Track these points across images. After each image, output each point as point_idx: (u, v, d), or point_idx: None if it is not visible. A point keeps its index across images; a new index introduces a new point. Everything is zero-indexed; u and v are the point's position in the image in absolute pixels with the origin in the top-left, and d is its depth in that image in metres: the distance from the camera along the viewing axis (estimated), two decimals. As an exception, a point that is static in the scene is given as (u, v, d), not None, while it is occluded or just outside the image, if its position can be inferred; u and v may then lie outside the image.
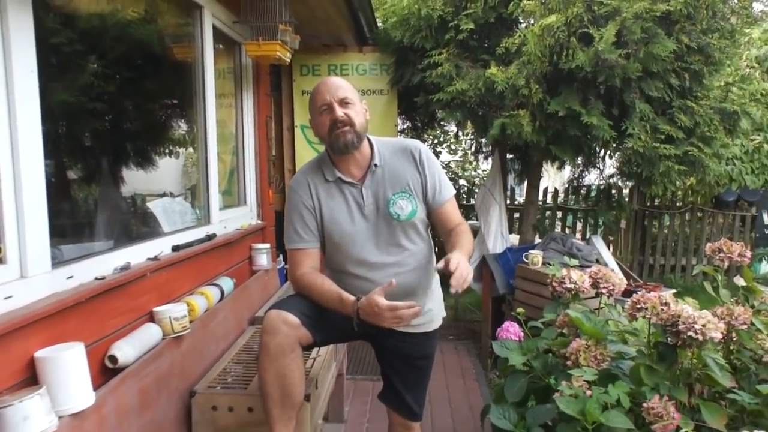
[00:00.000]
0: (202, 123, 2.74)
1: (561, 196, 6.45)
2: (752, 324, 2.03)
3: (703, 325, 1.83)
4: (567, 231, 6.34)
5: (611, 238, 6.53)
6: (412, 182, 1.84)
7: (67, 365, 1.43)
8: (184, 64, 2.72)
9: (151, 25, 2.45)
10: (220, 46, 3.07)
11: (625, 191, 6.24)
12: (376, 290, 1.64)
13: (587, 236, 6.12)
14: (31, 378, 1.42)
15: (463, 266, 1.62)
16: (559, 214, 6.42)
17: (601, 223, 6.33)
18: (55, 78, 1.85)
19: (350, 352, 3.83)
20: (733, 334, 2.06)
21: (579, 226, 6.49)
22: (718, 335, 1.83)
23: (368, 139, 1.86)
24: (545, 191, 6.30)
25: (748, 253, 2.17)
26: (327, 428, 3.10)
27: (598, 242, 4.83)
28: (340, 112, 1.72)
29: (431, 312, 2.00)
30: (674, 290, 4.09)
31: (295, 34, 3.21)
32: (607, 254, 4.72)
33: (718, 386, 1.93)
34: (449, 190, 1.93)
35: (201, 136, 2.76)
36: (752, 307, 2.11)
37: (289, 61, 3.22)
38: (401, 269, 1.84)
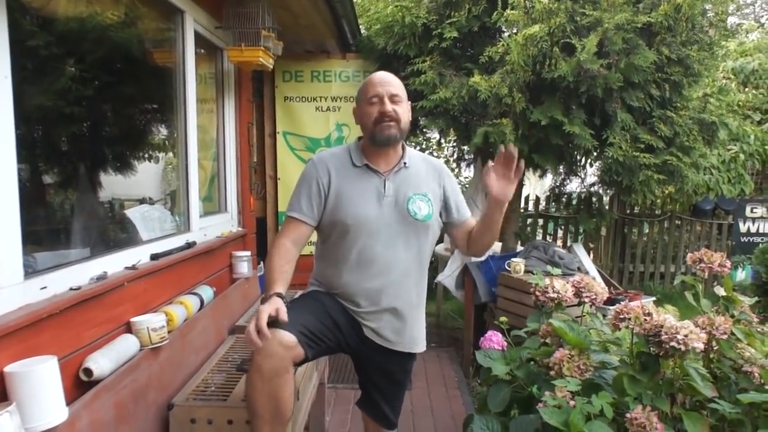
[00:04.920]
0: (183, 128, 2.69)
1: (542, 203, 6.50)
2: (732, 333, 2.05)
3: (686, 336, 1.83)
4: (548, 238, 6.37)
5: (592, 246, 6.59)
6: (431, 192, 1.91)
7: (39, 380, 1.38)
8: (164, 69, 2.68)
9: (131, 29, 2.41)
10: (202, 51, 3.03)
11: (606, 199, 6.30)
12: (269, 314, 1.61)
13: (568, 244, 6.16)
14: (0, 394, 1.37)
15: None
16: (541, 221, 6.46)
17: (581, 230, 6.38)
18: (31, 82, 1.80)
19: (331, 360, 3.79)
20: (714, 344, 2.07)
21: (560, 233, 6.53)
22: (700, 345, 1.84)
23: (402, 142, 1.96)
24: (527, 199, 6.33)
25: (728, 263, 2.19)
26: (308, 439, 3.06)
27: (580, 250, 4.86)
28: (389, 106, 1.80)
29: (420, 335, 2.03)
30: (654, 298, 4.12)
31: (278, 41, 3.18)
32: (588, 262, 4.75)
33: (699, 396, 1.94)
34: (468, 208, 2.05)
35: (181, 142, 2.71)
36: (732, 316, 2.13)
37: (271, 67, 3.20)
38: (401, 272, 1.87)
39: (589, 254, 6.13)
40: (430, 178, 1.95)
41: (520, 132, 3.51)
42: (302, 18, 3.60)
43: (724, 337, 2.00)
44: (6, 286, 1.45)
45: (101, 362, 1.69)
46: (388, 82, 1.85)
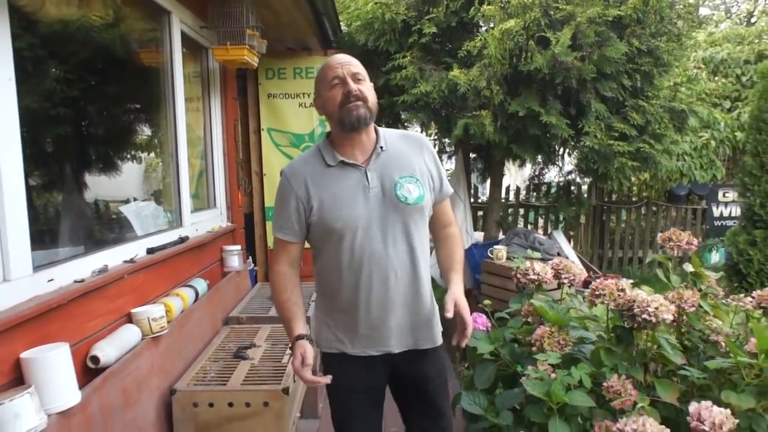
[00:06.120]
0: (173, 127, 2.77)
1: (523, 193, 6.65)
2: (700, 306, 2.19)
3: (656, 308, 1.97)
4: (530, 227, 6.53)
5: (572, 233, 6.76)
6: (418, 169, 1.74)
7: (54, 365, 1.46)
8: (153, 69, 2.75)
9: (121, 31, 2.47)
10: (188, 51, 3.10)
11: (585, 188, 6.48)
12: (309, 361, 1.62)
13: (549, 231, 6.32)
14: (17, 379, 1.45)
15: (467, 316, 1.78)
16: (522, 211, 6.62)
17: (561, 218, 6.54)
18: (29, 84, 1.87)
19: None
20: (684, 317, 2.21)
21: (541, 222, 6.69)
22: (669, 317, 1.98)
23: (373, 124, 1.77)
24: (507, 189, 6.47)
25: (695, 241, 2.33)
26: (302, 424, 3.15)
27: (560, 237, 5.02)
28: (353, 85, 1.62)
29: (437, 324, 1.92)
30: (632, 281, 4.28)
31: (261, 39, 3.26)
32: (567, 248, 4.90)
33: (671, 365, 2.08)
34: (450, 187, 1.89)
35: (171, 140, 2.79)
36: (700, 290, 2.28)
37: (256, 65, 3.27)
38: (404, 263, 1.71)
39: (569, 241, 6.30)
40: (414, 153, 1.76)
41: (498, 123, 3.63)
42: (284, 16, 3.68)
43: (692, 309, 2.14)
44: (17, 278, 1.53)
45: (107, 350, 1.78)
46: (347, 61, 1.67)
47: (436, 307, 1.90)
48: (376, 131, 1.76)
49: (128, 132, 2.83)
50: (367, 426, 1.84)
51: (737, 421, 1.73)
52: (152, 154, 2.98)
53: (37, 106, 1.95)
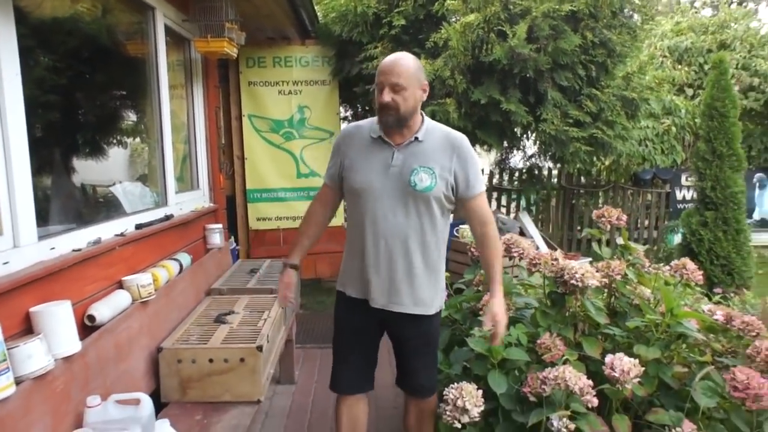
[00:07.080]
0: (158, 113, 3.01)
1: (496, 177, 6.94)
2: (626, 275, 2.49)
3: (583, 275, 2.27)
4: (503, 210, 6.83)
5: (541, 216, 7.08)
6: (439, 166, 1.97)
7: (59, 317, 1.72)
8: (139, 60, 2.98)
9: (107, 24, 2.70)
10: (171, 41, 3.32)
11: (555, 172, 6.77)
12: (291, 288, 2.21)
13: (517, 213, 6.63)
14: (27, 330, 1.71)
15: (501, 330, 2.06)
16: (495, 194, 6.91)
17: (532, 201, 6.84)
18: (32, 79, 2.10)
19: (300, 323, 4.16)
20: (614, 284, 2.51)
21: (513, 205, 7.00)
22: (595, 282, 2.28)
23: (422, 117, 2.03)
24: (482, 173, 6.75)
25: (624, 217, 2.63)
26: (280, 389, 3.45)
27: (525, 218, 5.33)
28: (387, 97, 1.89)
29: (426, 298, 2.10)
30: (590, 259, 4.60)
31: (240, 31, 3.48)
32: (532, 228, 5.22)
33: (602, 328, 2.38)
34: (480, 186, 2.07)
35: (157, 126, 3.02)
36: (627, 261, 2.58)
37: (235, 56, 3.50)
38: (402, 236, 1.98)
39: (538, 223, 6.62)
40: (444, 152, 2.00)
41: (463, 110, 3.90)
42: (263, 8, 3.90)
43: (618, 277, 2.45)
44: (25, 245, 1.79)
45: (102, 310, 2.04)
46: (391, 71, 1.90)
47: (432, 283, 2.11)
48: (422, 124, 2.02)
49: (116, 118, 3.07)
50: (357, 358, 2.21)
51: (644, 368, 2.04)
52: (138, 139, 3.21)
53: (31, 94, 2.18)
